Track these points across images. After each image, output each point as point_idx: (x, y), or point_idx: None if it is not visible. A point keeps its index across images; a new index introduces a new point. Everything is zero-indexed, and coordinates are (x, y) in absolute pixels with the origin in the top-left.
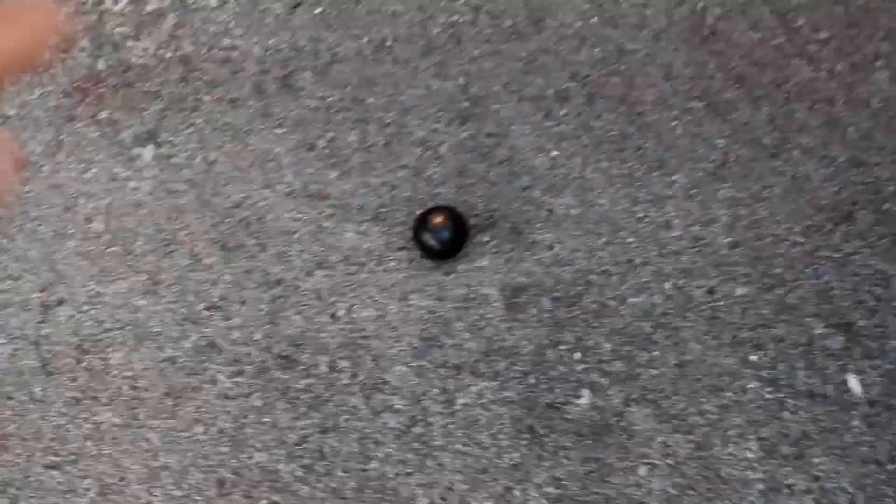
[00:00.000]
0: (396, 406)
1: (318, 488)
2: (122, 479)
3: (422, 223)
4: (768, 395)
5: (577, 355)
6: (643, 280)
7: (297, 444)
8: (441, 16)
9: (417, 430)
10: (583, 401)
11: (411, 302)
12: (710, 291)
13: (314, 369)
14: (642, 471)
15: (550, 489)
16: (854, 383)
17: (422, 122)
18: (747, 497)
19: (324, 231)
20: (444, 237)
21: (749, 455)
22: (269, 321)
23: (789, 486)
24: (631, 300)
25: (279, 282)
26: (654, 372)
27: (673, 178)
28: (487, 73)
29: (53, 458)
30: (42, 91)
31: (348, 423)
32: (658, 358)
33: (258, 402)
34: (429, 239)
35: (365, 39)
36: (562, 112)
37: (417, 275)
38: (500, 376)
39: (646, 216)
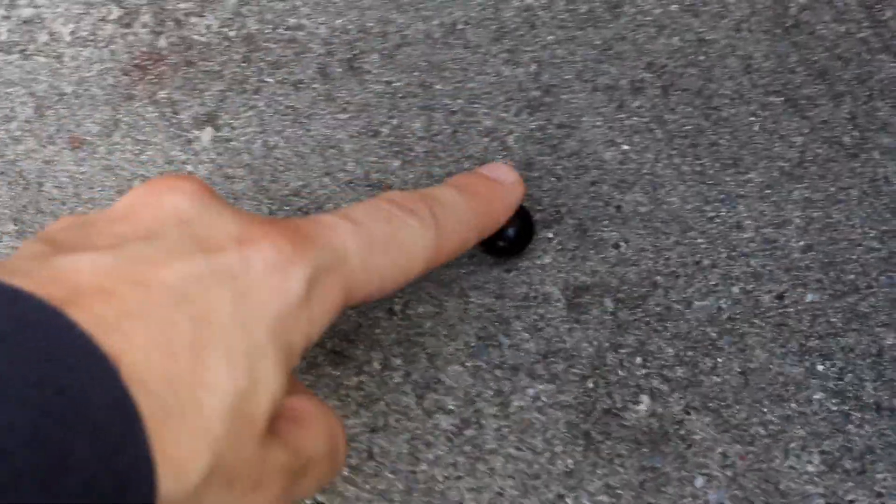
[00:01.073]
0: (449, 407)
1: (365, 489)
2: None
3: None
4: (833, 407)
5: (639, 360)
6: (711, 283)
7: None
8: None
9: (470, 432)
10: (642, 407)
11: (470, 299)
12: (780, 297)
13: (367, 366)
14: (699, 482)
15: (604, 498)
16: None
17: (490, 110)
18: None
19: None
20: (510, 235)
21: (810, 468)
22: None
23: (851, 502)
24: (697, 304)
25: None
26: (717, 379)
27: (747, 176)
28: (560, 61)
29: None
30: (101, 68)
31: (399, 423)
32: (722, 365)
33: None
34: (493, 236)
35: (435, 22)
36: (635, 104)
37: (478, 271)
38: (557, 379)
39: (717, 216)
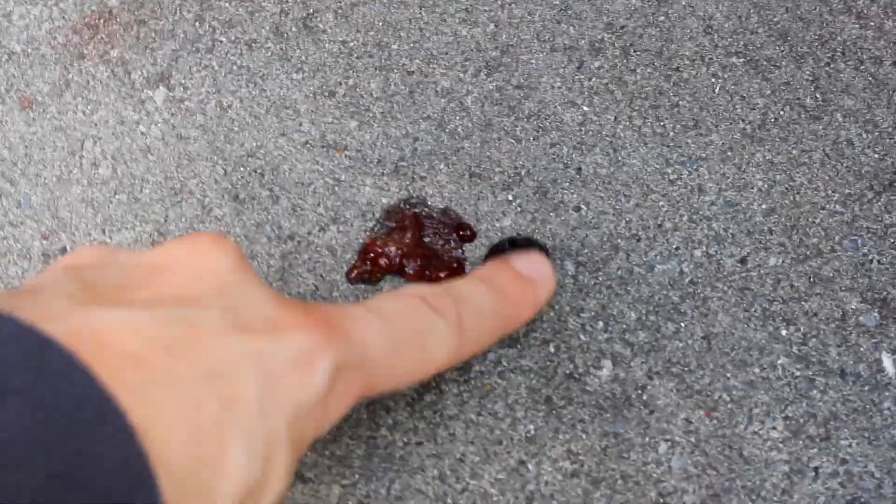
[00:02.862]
0: None
1: (325, 456)
2: None
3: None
4: (797, 373)
5: (601, 324)
6: (673, 246)
7: None
8: None
9: (430, 397)
10: (604, 372)
11: None
12: (742, 261)
13: None
14: (662, 448)
15: (566, 464)
16: (888, 362)
17: (447, 71)
18: (770, 479)
19: (340, 184)
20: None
21: (774, 434)
22: (280, 278)
23: (815, 469)
24: (659, 267)
25: (292, 236)
26: (680, 344)
27: (708, 138)
28: (518, 21)
29: None
30: (51, 26)
31: None
32: (685, 329)
33: None
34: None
35: None
36: (595, 65)
37: None
38: (518, 343)
39: (678, 178)
